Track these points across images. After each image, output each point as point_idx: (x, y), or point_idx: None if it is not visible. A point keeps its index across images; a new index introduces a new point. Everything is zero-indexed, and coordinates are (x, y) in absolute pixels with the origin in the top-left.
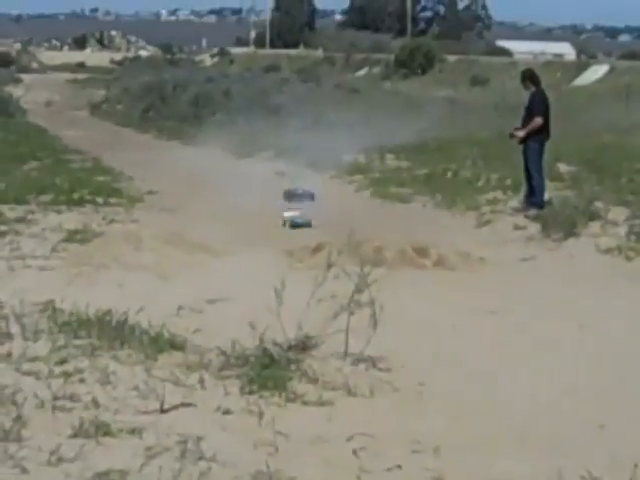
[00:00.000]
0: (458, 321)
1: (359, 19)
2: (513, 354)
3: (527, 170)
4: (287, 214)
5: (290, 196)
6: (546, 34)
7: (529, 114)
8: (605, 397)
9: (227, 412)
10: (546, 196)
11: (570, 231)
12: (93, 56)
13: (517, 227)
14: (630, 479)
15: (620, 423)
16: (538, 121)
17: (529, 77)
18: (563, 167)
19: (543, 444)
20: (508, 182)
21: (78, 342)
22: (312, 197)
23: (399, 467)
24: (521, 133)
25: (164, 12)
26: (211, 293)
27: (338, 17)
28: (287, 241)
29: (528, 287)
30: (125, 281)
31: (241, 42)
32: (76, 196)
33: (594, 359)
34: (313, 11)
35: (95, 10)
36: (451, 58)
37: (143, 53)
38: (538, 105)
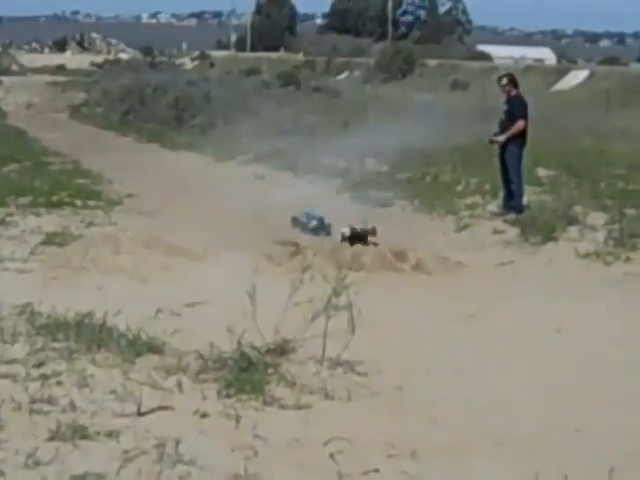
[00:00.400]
0: (436, 325)
1: (340, 23)
2: (491, 358)
3: (505, 174)
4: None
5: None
6: (527, 39)
7: (510, 118)
8: (582, 401)
9: (205, 415)
10: (525, 200)
11: (549, 235)
12: (73, 59)
13: (496, 231)
14: None
15: (597, 427)
16: (520, 125)
17: (511, 81)
18: (542, 171)
19: (520, 448)
20: (487, 186)
21: (56, 345)
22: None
23: (376, 471)
24: (502, 137)
25: (145, 15)
26: (189, 296)
27: (319, 21)
28: (267, 245)
29: (506, 291)
30: (103, 284)
31: (222, 45)
32: (55, 199)
33: (572, 363)
34: (294, 15)
35: (76, 13)
36: (431, 62)
37: (123, 56)
38: (520, 109)
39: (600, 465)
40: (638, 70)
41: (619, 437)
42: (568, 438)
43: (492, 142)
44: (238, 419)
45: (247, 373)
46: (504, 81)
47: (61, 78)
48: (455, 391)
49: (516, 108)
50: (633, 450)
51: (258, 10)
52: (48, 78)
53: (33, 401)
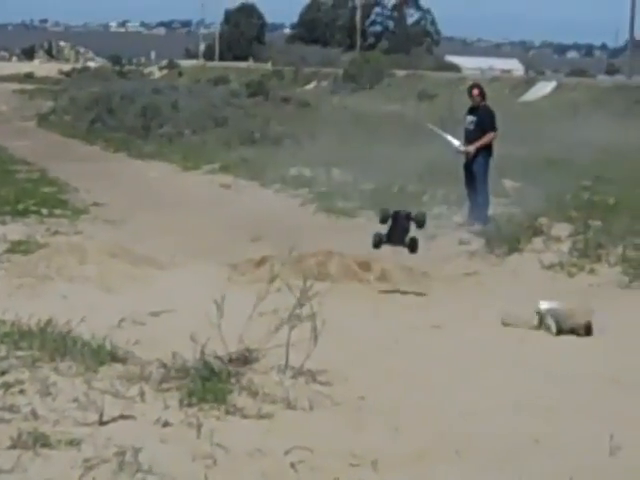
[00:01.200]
0: (401, 335)
1: (308, 33)
2: (455, 368)
3: (472, 185)
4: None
5: None
6: (495, 50)
7: (479, 129)
8: (543, 412)
9: (166, 424)
10: (490, 211)
11: (514, 246)
12: (42, 67)
13: (461, 242)
14: None
15: (557, 438)
16: (491, 136)
17: (480, 92)
18: (508, 183)
19: (481, 458)
20: (453, 197)
21: (19, 353)
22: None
23: None
24: (472, 148)
25: (113, 24)
26: (154, 305)
27: (287, 31)
28: (231, 254)
29: (471, 302)
30: (68, 293)
31: (190, 54)
32: (21, 207)
33: (535, 374)
34: (263, 25)
35: (44, 21)
36: (400, 73)
37: (92, 64)
38: (490, 120)
39: (560, 475)
40: (605, 82)
41: (579, 447)
42: (528, 448)
43: (460, 153)
44: (200, 428)
45: (210, 382)
46: (475, 91)
47: (29, 86)
48: (418, 401)
49: (486, 119)
50: (593, 461)
51: (227, 20)
52: (16, 86)
53: None
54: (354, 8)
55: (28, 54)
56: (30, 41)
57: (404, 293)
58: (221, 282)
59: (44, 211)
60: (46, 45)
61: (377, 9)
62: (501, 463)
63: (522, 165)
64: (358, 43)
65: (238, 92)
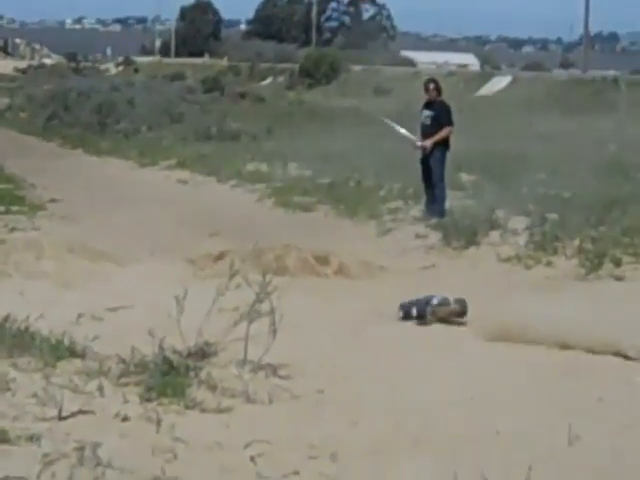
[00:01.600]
0: (358, 329)
1: (264, 29)
2: (414, 361)
3: (428, 179)
4: None
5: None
6: (451, 44)
7: (436, 123)
8: (503, 403)
9: (125, 419)
10: (447, 205)
11: (471, 240)
12: None
13: (418, 236)
14: None
15: (517, 428)
16: (447, 130)
17: (437, 86)
18: (465, 176)
19: (440, 449)
20: (410, 191)
21: None
22: None
23: (296, 473)
24: (428, 143)
25: (69, 20)
26: (112, 301)
27: (243, 27)
28: (189, 250)
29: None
30: (26, 289)
31: (146, 51)
32: None
33: (494, 366)
34: (218, 21)
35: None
36: (356, 68)
37: (47, 61)
38: (446, 115)
39: (518, 464)
40: (561, 76)
41: (539, 437)
42: (488, 439)
43: (418, 147)
44: (159, 422)
45: (168, 377)
46: (431, 86)
47: None
48: (377, 393)
49: (442, 114)
50: (552, 450)
51: (182, 16)
52: None
53: None
54: (310, 4)
55: None
56: None
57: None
58: (180, 277)
59: (1, 208)
60: (1, 42)
61: (333, 4)
62: (461, 454)
63: (478, 159)
64: (314, 39)
65: (194, 88)
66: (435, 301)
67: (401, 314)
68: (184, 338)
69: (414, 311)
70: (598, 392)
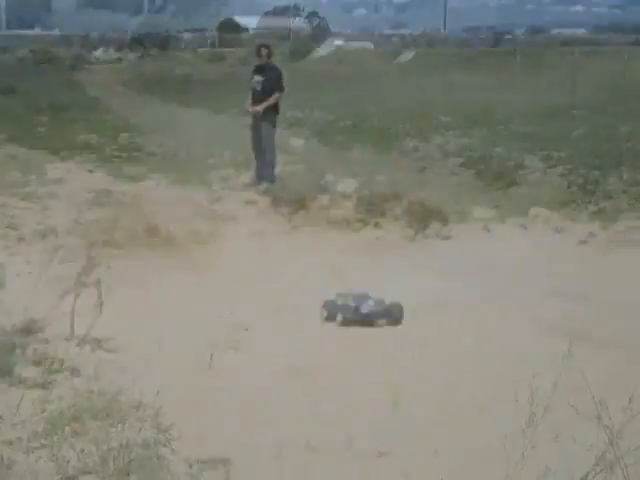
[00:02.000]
0: (184, 299)
1: None
2: (227, 329)
3: (259, 145)
4: None
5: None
6: (284, 10)
7: (269, 89)
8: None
9: None
10: (277, 170)
11: (300, 204)
12: None
13: (248, 202)
14: None
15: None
16: (277, 96)
17: (269, 52)
18: (295, 141)
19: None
20: (240, 158)
21: None
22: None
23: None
24: (260, 108)
25: None
26: None
27: None
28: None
29: (254, 261)
30: None
31: None
32: None
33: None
34: None
35: None
36: (188, 35)
37: None
38: (278, 80)
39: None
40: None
41: (469, 433)
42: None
43: (250, 112)
44: None
45: None
46: (263, 51)
47: None
48: (200, 360)
49: (274, 79)
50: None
51: None
52: None
53: None
54: None
55: None
56: None
57: None
58: (3, 252)
59: None
60: None
61: None
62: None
63: (311, 123)
64: (145, 7)
65: (25, 59)
66: (366, 309)
67: (325, 314)
68: (9, 315)
69: (339, 317)
70: None
